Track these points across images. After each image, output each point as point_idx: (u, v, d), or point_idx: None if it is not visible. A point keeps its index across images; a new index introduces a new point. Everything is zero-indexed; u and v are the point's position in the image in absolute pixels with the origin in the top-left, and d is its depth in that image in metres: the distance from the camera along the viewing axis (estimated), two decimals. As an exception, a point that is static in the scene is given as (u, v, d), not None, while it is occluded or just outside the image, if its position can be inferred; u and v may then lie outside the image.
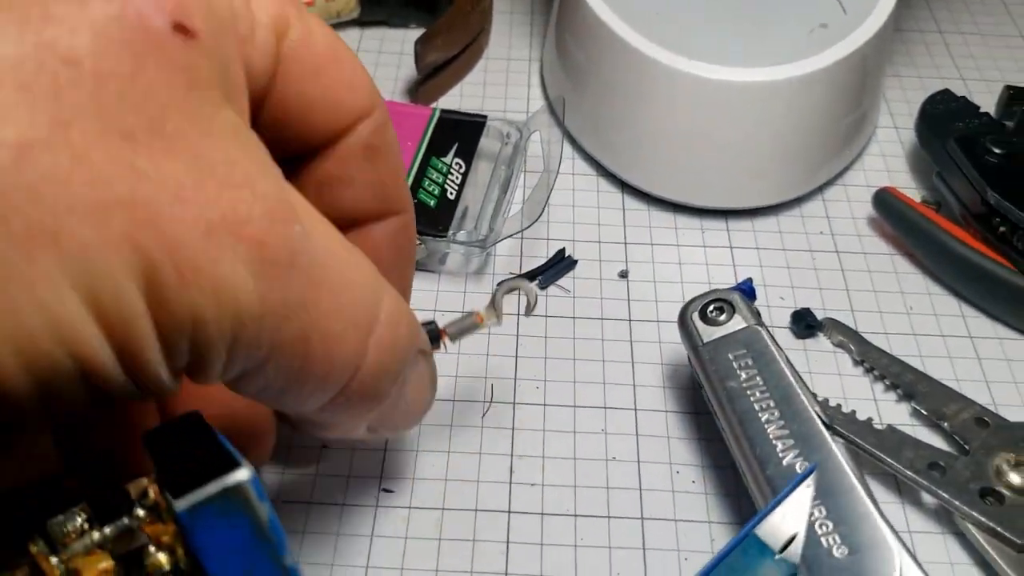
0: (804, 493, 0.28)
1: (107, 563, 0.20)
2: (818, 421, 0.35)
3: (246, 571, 0.19)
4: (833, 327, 0.43)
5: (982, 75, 0.56)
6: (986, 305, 0.44)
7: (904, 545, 0.31)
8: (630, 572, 0.35)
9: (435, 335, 0.31)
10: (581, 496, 0.38)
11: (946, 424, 0.39)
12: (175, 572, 0.20)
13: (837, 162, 0.50)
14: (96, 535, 0.20)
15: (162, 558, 0.20)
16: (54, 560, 0.19)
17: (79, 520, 0.20)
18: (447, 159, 0.47)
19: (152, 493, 0.20)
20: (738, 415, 0.36)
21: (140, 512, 0.20)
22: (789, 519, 0.28)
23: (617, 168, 0.50)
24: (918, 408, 0.40)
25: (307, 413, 0.25)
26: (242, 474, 0.19)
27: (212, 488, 0.19)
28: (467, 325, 0.32)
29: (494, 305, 0.32)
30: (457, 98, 0.55)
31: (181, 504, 0.19)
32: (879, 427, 0.37)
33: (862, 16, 0.47)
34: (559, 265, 0.46)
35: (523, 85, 0.56)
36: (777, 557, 0.29)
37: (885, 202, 0.46)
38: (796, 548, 0.29)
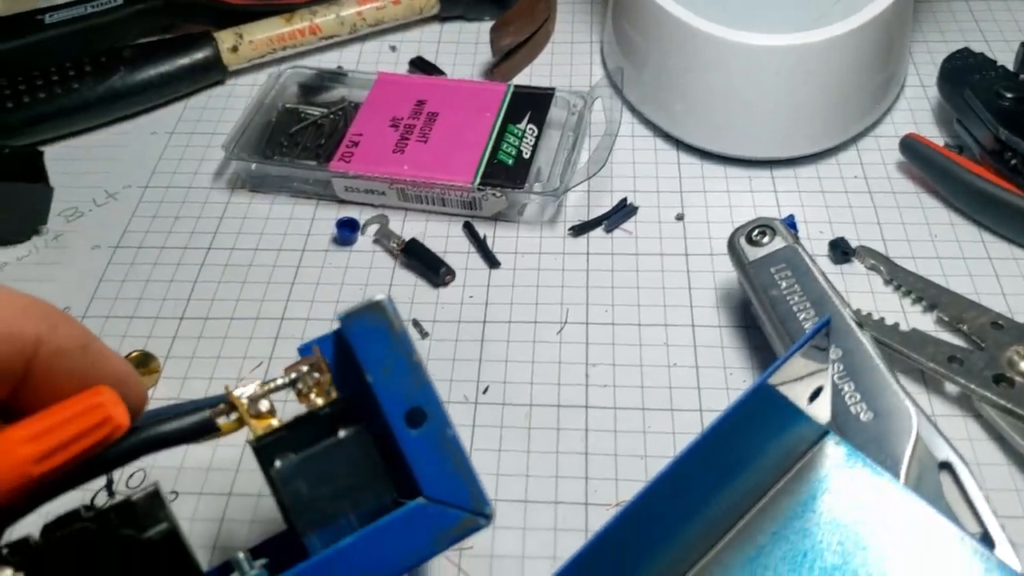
0: (820, 344, 0.32)
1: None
2: (847, 316, 0.41)
3: (386, 359, 0.27)
4: (866, 253, 0.49)
5: (1003, 36, 0.62)
6: (1003, 230, 0.49)
7: (919, 408, 0.37)
8: (691, 454, 0.42)
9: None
10: (648, 394, 0.44)
11: (965, 327, 0.44)
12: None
13: (869, 115, 0.56)
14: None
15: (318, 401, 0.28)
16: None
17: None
18: (521, 125, 0.54)
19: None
20: (780, 317, 0.42)
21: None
22: (805, 366, 0.33)
23: (673, 129, 0.56)
24: (941, 316, 0.45)
25: None
26: (380, 296, 0.28)
27: (362, 304, 0.27)
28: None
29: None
30: (528, 78, 0.62)
31: (343, 315, 0.27)
32: (905, 329, 0.43)
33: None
34: (622, 211, 0.52)
35: (586, 64, 0.63)
36: (808, 414, 0.35)
37: (911, 147, 0.52)
38: (823, 406, 0.35)
